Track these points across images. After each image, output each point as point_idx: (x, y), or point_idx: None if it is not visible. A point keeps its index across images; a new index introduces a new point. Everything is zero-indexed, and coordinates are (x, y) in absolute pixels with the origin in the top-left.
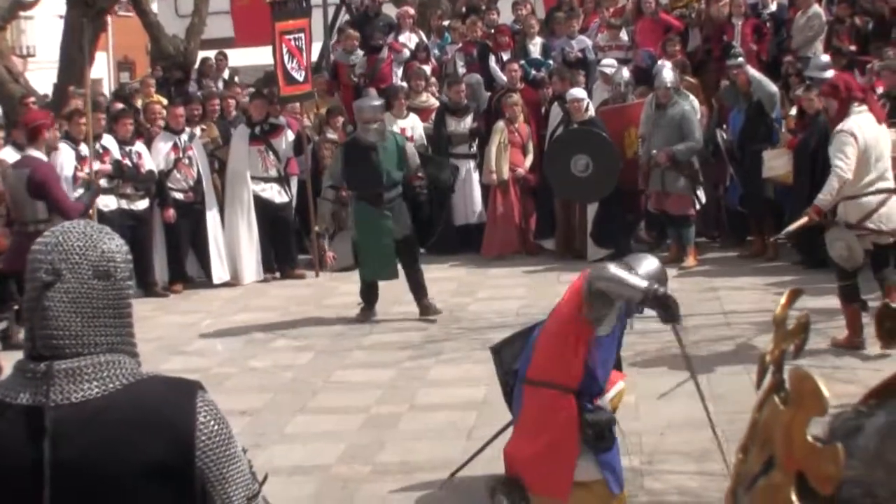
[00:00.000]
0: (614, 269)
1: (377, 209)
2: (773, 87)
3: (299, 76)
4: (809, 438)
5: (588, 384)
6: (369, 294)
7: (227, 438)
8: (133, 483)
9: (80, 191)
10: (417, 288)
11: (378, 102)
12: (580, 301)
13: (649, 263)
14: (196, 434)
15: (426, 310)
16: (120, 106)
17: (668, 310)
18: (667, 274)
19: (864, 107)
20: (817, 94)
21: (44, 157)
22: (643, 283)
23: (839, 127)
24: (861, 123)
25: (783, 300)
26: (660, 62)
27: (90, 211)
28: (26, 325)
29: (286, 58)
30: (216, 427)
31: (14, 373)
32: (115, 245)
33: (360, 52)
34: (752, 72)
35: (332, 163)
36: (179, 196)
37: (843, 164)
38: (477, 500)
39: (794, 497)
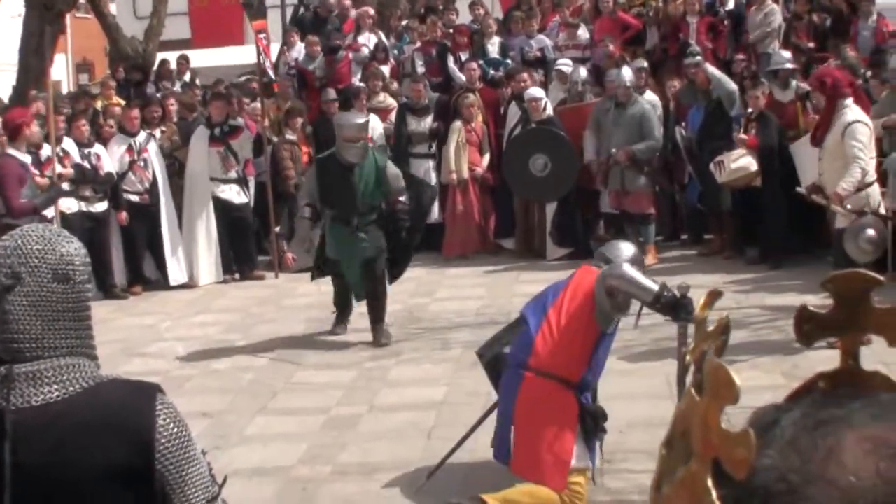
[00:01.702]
0: (628, 268)
1: (349, 229)
2: (733, 85)
3: (273, 74)
4: (724, 426)
5: (586, 380)
6: (342, 302)
7: (186, 441)
8: (93, 486)
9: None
10: (373, 313)
11: (362, 120)
12: (591, 300)
13: (627, 248)
14: (156, 437)
15: (376, 336)
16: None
17: (678, 312)
18: (642, 257)
19: (851, 100)
20: (763, 92)
21: (21, 156)
22: (655, 287)
23: (853, 117)
24: (863, 115)
25: (703, 300)
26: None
27: (54, 213)
28: None
29: (262, 57)
30: (175, 430)
31: None
32: (74, 248)
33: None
34: (711, 70)
35: (307, 180)
36: (135, 198)
37: (864, 154)
38: (439, 499)
39: (709, 483)
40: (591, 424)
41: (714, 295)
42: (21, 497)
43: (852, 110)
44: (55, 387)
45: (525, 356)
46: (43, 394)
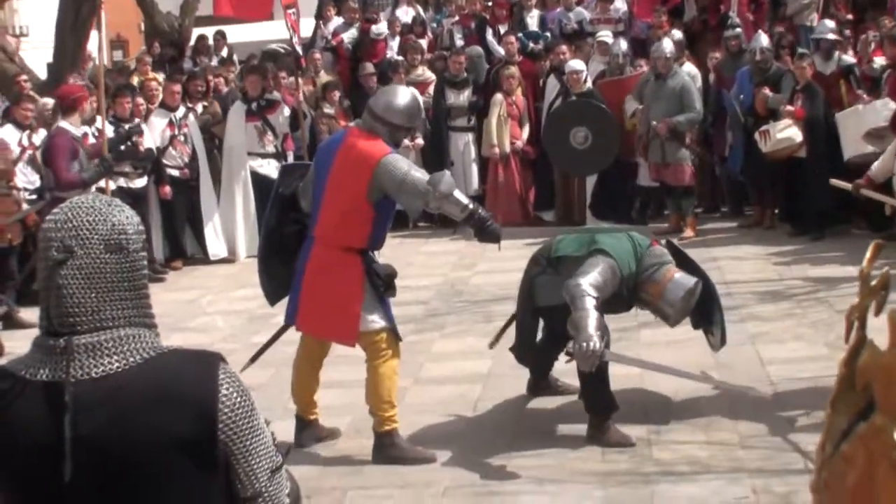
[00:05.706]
0: (449, 185)
1: None
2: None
3: (301, 50)
4: None
5: (374, 238)
6: None
7: (249, 410)
8: (155, 457)
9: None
10: None
11: None
12: (367, 186)
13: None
14: (219, 407)
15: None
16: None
17: (484, 233)
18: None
19: None
20: (810, 63)
21: (75, 130)
22: (471, 205)
23: None
24: None
25: (868, 254)
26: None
27: (104, 187)
28: (42, 303)
29: (290, 32)
30: (239, 399)
31: (32, 349)
32: (126, 217)
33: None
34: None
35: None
36: (175, 173)
37: None
38: (483, 471)
39: None
40: (381, 285)
41: (879, 247)
42: (82, 469)
43: None
44: (115, 358)
45: (314, 225)
46: (103, 365)
